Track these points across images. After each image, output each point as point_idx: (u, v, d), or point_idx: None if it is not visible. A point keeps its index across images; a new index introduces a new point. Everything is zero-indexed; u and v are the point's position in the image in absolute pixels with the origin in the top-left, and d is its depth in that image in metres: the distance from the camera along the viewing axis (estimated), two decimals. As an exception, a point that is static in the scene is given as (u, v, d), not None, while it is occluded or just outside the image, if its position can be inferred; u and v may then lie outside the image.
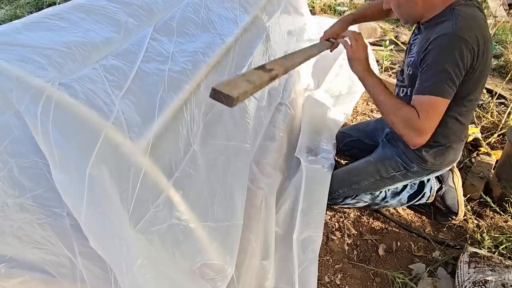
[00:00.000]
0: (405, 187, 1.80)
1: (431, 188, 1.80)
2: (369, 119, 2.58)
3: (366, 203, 1.81)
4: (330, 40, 1.70)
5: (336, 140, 2.12)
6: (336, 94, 2.61)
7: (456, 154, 1.62)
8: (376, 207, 1.84)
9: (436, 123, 1.34)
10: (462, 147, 1.64)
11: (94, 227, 0.92)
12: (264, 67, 1.11)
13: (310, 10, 4.73)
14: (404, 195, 1.81)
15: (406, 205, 1.86)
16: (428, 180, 1.80)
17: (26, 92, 0.83)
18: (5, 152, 0.99)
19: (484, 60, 1.32)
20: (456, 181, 1.82)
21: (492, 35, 3.07)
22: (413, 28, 1.60)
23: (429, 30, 1.38)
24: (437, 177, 1.82)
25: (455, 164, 1.93)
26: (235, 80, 0.95)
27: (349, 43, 1.48)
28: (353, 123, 2.47)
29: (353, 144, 2.06)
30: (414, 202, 1.83)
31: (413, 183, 1.81)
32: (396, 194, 1.80)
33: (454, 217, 1.77)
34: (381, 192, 1.79)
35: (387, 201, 1.80)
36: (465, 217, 1.81)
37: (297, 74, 2.35)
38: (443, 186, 1.80)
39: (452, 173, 1.84)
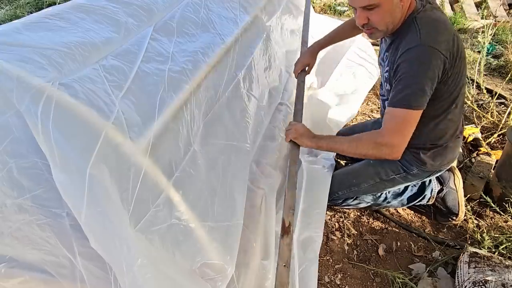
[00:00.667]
0: (406, 188, 1.80)
1: (432, 190, 1.80)
2: (369, 119, 2.58)
3: (368, 204, 1.81)
4: (303, 70, 1.95)
5: None
6: (341, 93, 2.61)
7: (454, 152, 1.62)
8: (377, 207, 1.85)
9: (408, 134, 1.35)
10: (460, 144, 1.64)
11: (95, 227, 0.92)
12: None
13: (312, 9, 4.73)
14: (405, 197, 1.81)
15: (407, 206, 1.86)
16: (430, 182, 1.80)
17: (26, 92, 0.84)
18: (5, 152, 0.98)
19: (458, 58, 1.33)
20: (457, 183, 1.81)
21: (492, 35, 3.07)
22: (380, 43, 1.60)
23: (397, 44, 1.39)
24: (438, 179, 1.82)
25: (455, 165, 1.94)
26: None
27: (289, 132, 1.60)
28: (353, 124, 2.47)
29: None
30: (415, 203, 1.83)
31: (414, 185, 1.80)
32: (397, 195, 1.80)
33: (454, 218, 1.77)
34: (382, 193, 1.79)
35: (388, 202, 1.80)
36: (465, 217, 1.81)
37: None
38: (444, 187, 1.80)
39: (453, 174, 1.84)
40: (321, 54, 2.60)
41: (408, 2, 1.35)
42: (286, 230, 1.22)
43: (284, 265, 1.09)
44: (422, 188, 1.80)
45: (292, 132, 1.58)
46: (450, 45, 1.30)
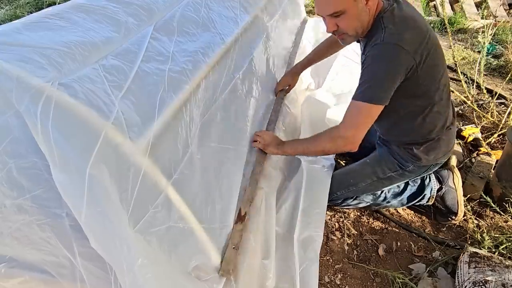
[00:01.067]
0: (406, 187, 1.80)
1: (431, 189, 1.80)
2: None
3: (368, 204, 1.81)
4: (283, 90, 2.06)
5: None
6: (338, 93, 2.60)
7: (448, 144, 1.62)
8: (377, 207, 1.85)
9: (363, 126, 1.38)
10: (454, 135, 1.63)
11: (95, 227, 0.92)
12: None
13: (310, 10, 4.74)
14: (404, 196, 1.81)
15: (406, 205, 1.86)
16: (429, 181, 1.81)
17: (26, 92, 0.83)
18: (4, 152, 0.98)
19: (429, 53, 1.34)
20: (456, 181, 1.82)
21: (492, 35, 3.07)
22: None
23: (367, 45, 1.42)
24: (437, 178, 1.82)
25: (455, 164, 1.94)
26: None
27: (258, 141, 1.64)
28: None
29: None
30: (415, 203, 1.83)
31: (413, 185, 1.80)
32: (397, 194, 1.80)
33: (453, 217, 1.77)
34: (382, 192, 1.79)
35: (388, 202, 1.80)
36: (465, 217, 1.81)
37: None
38: (443, 186, 1.80)
39: (453, 173, 1.84)
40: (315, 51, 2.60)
41: (375, 4, 1.37)
42: (241, 218, 1.36)
43: (233, 247, 1.26)
44: (421, 188, 1.80)
45: (259, 141, 1.63)
46: (418, 42, 1.32)
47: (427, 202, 1.82)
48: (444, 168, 1.85)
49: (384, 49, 1.32)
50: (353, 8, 1.34)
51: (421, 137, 1.55)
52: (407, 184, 1.80)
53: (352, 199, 1.79)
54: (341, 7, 1.32)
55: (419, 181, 1.81)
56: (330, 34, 1.64)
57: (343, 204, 1.82)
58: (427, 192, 1.80)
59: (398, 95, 1.38)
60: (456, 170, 1.85)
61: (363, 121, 1.38)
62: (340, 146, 1.44)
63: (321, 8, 1.37)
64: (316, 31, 2.89)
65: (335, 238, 1.75)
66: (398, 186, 1.80)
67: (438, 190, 1.80)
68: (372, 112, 1.36)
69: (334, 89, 2.58)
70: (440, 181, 1.82)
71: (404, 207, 1.89)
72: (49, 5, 4.41)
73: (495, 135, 2.32)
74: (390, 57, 1.31)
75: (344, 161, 2.18)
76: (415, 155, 1.58)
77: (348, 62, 2.73)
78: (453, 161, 1.93)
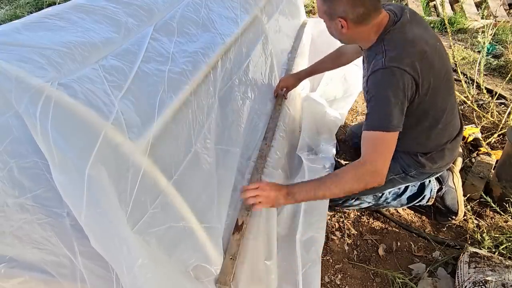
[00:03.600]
0: (406, 188, 1.80)
1: (431, 190, 1.81)
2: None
3: (369, 204, 1.81)
4: (282, 93, 2.03)
5: (347, 137, 2.17)
6: (331, 99, 2.61)
7: (453, 153, 1.62)
8: (378, 207, 1.85)
9: (388, 155, 1.31)
10: (459, 144, 1.64)
11: (94, 227, 0.92)
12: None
13: (310, 10, 4.74)
14: (405, 197, 1.81)
15: (406, 206, 1.86)
16: (429, 182, 1.81)
17: (25, 92, 0.83)
18: (5, 152, 0.98)
19: (431, 74, 1.32)
20: (456, 181, 1.82)
21: (492, 35, 3.07)
22: None
23: (368, 63, 1.40)
24: (437, 178, 1.82)
25: (460, 167, 1.94)
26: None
27: (260, 203, 1.35)
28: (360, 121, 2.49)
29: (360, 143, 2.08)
30: (415, 204, 1.83)
31: (414, 186, 1.81)
32: (398, 196, 1.80)
33: (453, 217, 1.77)
34: (383, 194, 1.79)
35: (388, 202, 1.81)
36: (465, 217, 1.81)
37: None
38: (443, 186, 1.81)
39: (452, 173, 1.84)
40: (314, 52, 2.60)
41: (360, 33, 1.35)
42: (238, 228, 1.35)
43: (231, 258, 1.25)
44: (421, 188, 1.81)
45: (263, 201, 1.34)
46: (419, 63, 1.29)
47: (427, 202, 1.82)
48: None
49: (387, 74, 1.28)
50: (328, 24, 1.39)
51: (428, 149, 1.56)
52: (407, 185, 1.80)
53: (353, 200, 1.79)
54: (321, 17, 1.39)
55: (419, 183, 1.81)
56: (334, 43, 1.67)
57: (344, 205, 1.82)
58: (427, 193, 1.80)
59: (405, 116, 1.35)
60: (456, 170, 1.86)
61: (386, 151, 1.31)
62: (370, 183, 1.31)
63: None
64: (316, 32, 2.89)
65: (335, 238, 1.75)
66: (398, 188, 1.80)
67: (438, 190, 1.80)
68: (391, 140, 1.30)
69: (327, 94, 2.59)
70: (440, 181, 1.83)
71: (404, 207, 1.89)
72: (49, 5, 4.41)
73: (495, 135, 2.32)
74: (395, 81, 1.27)
75: (345, 161, 2.18)
76: (419, 162, 1.58)
77: (342, 69, 2.73)
78: (458, 164, 1.93)
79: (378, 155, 1.30)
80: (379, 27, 1.35)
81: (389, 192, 1.79)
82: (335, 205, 1.82)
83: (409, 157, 1.59)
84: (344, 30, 1.34)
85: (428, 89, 1.34)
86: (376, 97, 1.31)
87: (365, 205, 1.81)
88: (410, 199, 1.81)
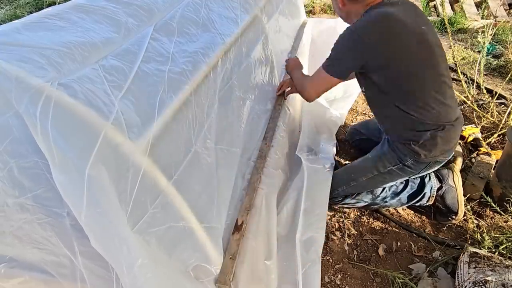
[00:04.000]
0: (405, 187, 1.80)
1: (431, 188, 1.80)
2: (369, 118, 2.58)
3: (366, 203, 1.81)
4: (282, 95, 2.12)
5: (348, 135, 2.19)
6: (331, 99, 2.61)
7: (447, 142, 1.62)
8: (376, 206, 1.85)
9: (319, 90, 1.67)
10: (454, 134, 1.63)
11: (95, 227, 0.92)
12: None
13: (310, 10, 4.74)
14: (404, 195, 1.81)
15: (406, 205, 1.86)
16: (429, 180, 1.81)
17: (25, 92, 0.83)
18: (5, 152, 0.98)
19: (392, 48, 1.46)
20: (456, 180, 1.82)
21: (492, 35, 3.07)
22: None
23: None
24: (437, 176, 1.82)
25: (460, 166, 1.93)
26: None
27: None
28: (366, 119, 2.50)
29: (362, 142, 2.11)
30: (415, 203, 1.83)
31: (413, 183, 1.80)
32: (396, 194, 1.80)
33: (454, 216, 1.77)
34: (382, 191, 1.79)
35: (386, 201, 1.80)
36: (465, 217, 1.81)
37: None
38: (443, 185, 1.80)
39: (452, 172, 1.84)
40: (314, 53, 2.61)
41: (355, 9, 1.56)
42: (238, 228, 1.37)
43: (231, 258, 1.27)
44: (421, 186, 1.81)
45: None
46: (379, 35, 1.44)
47: (427, 201, 1.82)
48: (444, 167, 1.85)
49: (349, 34, 1.50)
50: (333, 2, 1.66)
51: (418, 136, 1.57)
52: (407, 183, 1.80)
53: (351, 197, 1.80)
54: None
55: (418, 180, 1.81)
56: None
57: (342, 202, 1.82)
58: (427, 191, 1.80)
59: (377, 87, 1.56)
60: (456, 169, 1.85)
61: (321, 85, 1.65)
62: (302, 94, 1.78)
63: None
64: (316, 32, 2.89)
65: (335, 238, 1.75)
66: (397, 186, 1.80)
67: (438, 189, 1.80)
68: (330, 82, 1.61)
69: (327, 94, 2.57)
70: (440, 180, 1.83)
71: (404, 207, 1.89)
72: (49, 5, 4.41)
73: (495, 135, 2.32)
74: (352, 43, 1.49)
75: (345, 161, 2.18)
76: (413, 150, 1.60)
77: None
78: (458, 163, 1.92)
79: (313, 84, 1.68)
80: (369, 6, 1.54)
81: (389, 190, 1.79)
82: (334, 202, 1.83)
83: (403, 146, 1.62)
84: (341, 6, 1.60)
85: (390, 65, 1.48)
86: (334, 47, 1.57)
87: (361, 204, 1.82)
88: (410, 197, 1.81)
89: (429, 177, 1.81)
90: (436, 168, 1.73)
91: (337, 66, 1.57)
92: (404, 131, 1.61)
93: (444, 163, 1.71)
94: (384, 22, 1.46)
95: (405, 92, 1.53)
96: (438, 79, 1.54)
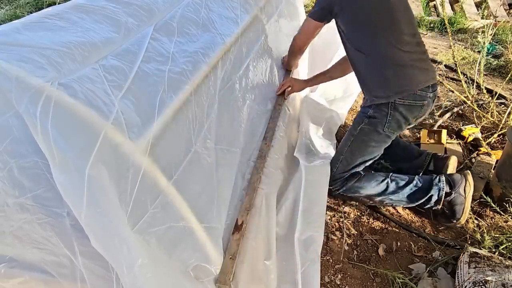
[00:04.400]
0: (408, 183, 1.77)
1: (439, 191, 1.74)
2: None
3: (367, 194, 1.78)
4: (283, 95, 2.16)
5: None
6: (331, 98, 2.61)
7: (402, 82, 1.64)
8: (378, 199, 1.79)
9: (306, 34, 1.93)
10: (408, 75, 1.65)
11: (95, 227, 0.92)
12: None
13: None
14: (407, 190, 1.77)
15: (412, 205, 1.81)
16: (438, 181, 1.76)
17: (25, 92, 0.83)
18: (5, 152, 0.99)
19: (351, 5, 1.66)
20: (468, 190, 1.76)
21: (492, 35, 3.07)
22: None
23: None
24: (448, 182, 1.76)
25: (455, 165, 1.90)
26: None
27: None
28: None
29: None
30: (421, 204, 1.78)
31: (418, 181, 1.76)
32: (398, 188, 1.77)
33: (455, 221, 1.74)
34: (382, 181, 1.77)
35: (389, 195, 1.77)
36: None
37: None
38: (453, 192, 1.74)
39: (466, 181, 1.78)
40: (314, 54, 2.60)
41: None
42: (238, 228, 1.37)
43: (231, 258, 1.27)
44: (428, 187, 1.76)
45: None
46: None
47: (435, 205, 1.76)
48: (459, 172, 1.83)
49: None
50: None
51: (364, 68, 1.72)
52: (411, 179, 1.78)
53: (352, 181, 1.78)
54: None
55: (423, 180, 1.78)
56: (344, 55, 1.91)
57: (343, 189, 1.80)
58: (434, 194, 1.74)
59: (345, 38, 1.73)
60: (470, 178, 1.79)
61: (306, 29, 1.90)
62: (293, 47, 2.06)
63: None
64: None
65: (335, 238, 1.75)
66: (397, 182, 1.78)
67: (448, 195, 1.74)
68: (313, 26, 1.84)
69: (327, 94, 2.59)
70: (451, 185, 1.76)
71: (404, 206, 1.89)
72: (49, 5, 4.41)
73: (495, 135, 2.32)
74: None
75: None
76: (369, 92, 1.72)
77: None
78: (453, 162, 1.90)
79: (301, 32, 1.96)
80: None
81: (390, 182, 1.78)
82: (334, 189, 1.82)
83: (365, 99, 1.76)
84: None
85: (347, 11, 1.67)
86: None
87: (363, 191, 1.79)
88: (415, 196, 1.77)
89: (439, 179, 1.76)
90: (403, 119, 1.69)
91: (316, 11, 1.80)
92: (368, 80, 1.73)
93: (414, 111, 1.67)
94: None
95: (363, 36, 1.68)
96: (391, 18, 1.66)
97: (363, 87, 1.80)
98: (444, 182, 1.76)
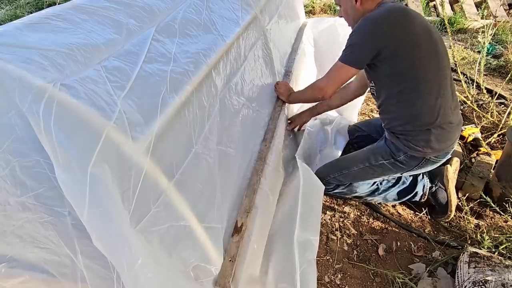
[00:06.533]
0: (397, 182, 1.83)
1: (423, 186, 1.84)
2: (369, 118, 2.59)
3: (358, 194, 1.84)
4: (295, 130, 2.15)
5: (348, 133, 2.21)
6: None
7: (441, 142, 1.62)
8: (368, 199, 1.87)
9: (336, 80, 1.67)
10: (450, 136, 1.63)
11: (97, 225, 0.92)
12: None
13: (310, 10, 4.74)
14: (395, 190, 1.84)
15: (399, 201, 1.90)
16: (422, 178, 1.85)
17: (28, 91, 0.84)
18: (8, 151, 0.99)
19: (399, 39, 1.51)
20: (446, 182, 1.83)
21: (492, 35, 3.07)
22: None
23: None
24: (429, 176, 1.86)
25: (456, 167, 1.92)
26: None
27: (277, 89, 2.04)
28: (367, 119, 2.51)
29: (362, 138, 2.13)
30: (407, 200, 1.87)
31: (406, 179, 1.84)
32: (388, 188, 1.84)
33: (444, 214, 1.81)
34: (374, 183, 1.83)
35: (380, 194, 1.83)
36: (465, 217, 1.82)
37: (294, 82, 2.33)
38: (433, 186, 1.85)
39: (443, 174, 1.86)
40: (321, 61, 2.61)
41: (368, 5, 1.62)
42: (237, 230, 1.36)
43: (230, 260, 1.26)
44: (413, 184, 1.85)
45: (278, 90, 2.02)
46: (386, 26, 1.52)
47: (420, 199, 1.86)
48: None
49: (366, 22, 1.55)
50: (344, 3, 1.67)
51: (408, 126, 1.61)
52: (399, 178, 1.84)
53: (344, 186, 1.82)
54: (337, 0, 1.73)
55: (411, 178, 1.85)
56: (350, 80, 1.82)
57: (335, 191, 1.85)
58: (418, 190, 1.83)
59: (384, 78, 1.61)
60: (448, 170, 1.85)
61: (338, 76, 1.66)
62: (317, 94, 1.77)
63: None
64: (316, 32, 2.90)
65: (335, 238, 1.75)
66: (389, 180, 1.84)
67: (430, 189, 1.85)
68: (347, 72, 1.62)
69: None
70: (431, 179, 1.87)
71: (404, 206, 1.90)
72: (49, 5, 4.41)
73: (495, 135, 2.32)
74: (365, 28, 1.55)
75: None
76: (407, 144, 1.62)
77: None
78: (454, 163, 1.91)
79: (330, 77, 1.69)
80: (379, 3, 1.62)
81: (380, 183, 1.84)
82: (327, 190, 1.85)
83: (397, 140, 1.65)
84: (358, 6, 1.63)
85: (396, 56, 1.53)
86: (350, 38, 1.60)
87: (354, 193, 1.85)
88: (401, 193, 1.85)
89: (422, 176, 1.85)
90: (429, 169, 1.74)
91: (355, 54, 1.58)
92: (402, 124, 1.63)
93: (438, 164, 1.71)
94: (400, 11, 1.54)
95: (410, 81, 1.56)
96: (441, 72, 1.58)
97: (397, 138, 1.66)
98: (426, 177, 1.86)
